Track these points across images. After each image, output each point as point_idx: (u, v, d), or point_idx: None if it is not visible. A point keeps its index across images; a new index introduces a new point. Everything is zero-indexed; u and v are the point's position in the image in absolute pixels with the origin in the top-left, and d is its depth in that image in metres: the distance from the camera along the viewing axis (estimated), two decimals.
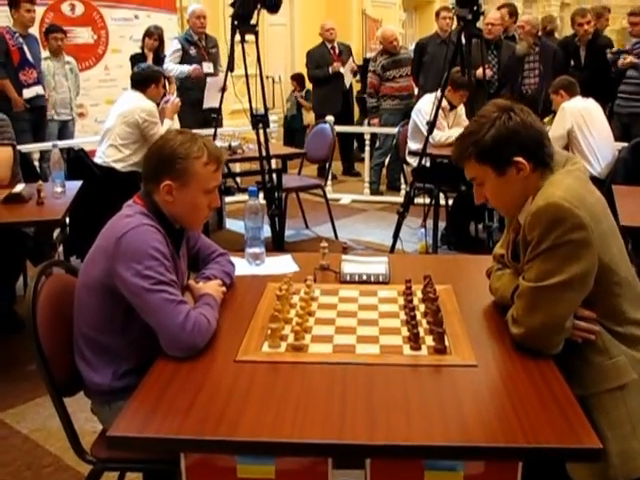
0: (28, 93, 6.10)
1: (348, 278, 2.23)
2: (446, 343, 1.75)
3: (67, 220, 3.80)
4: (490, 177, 1.78)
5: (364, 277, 2.23)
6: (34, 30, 6.52)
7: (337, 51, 8.02)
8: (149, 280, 1.75)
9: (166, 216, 1.93)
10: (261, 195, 4.53)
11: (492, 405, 1.53)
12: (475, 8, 3.87)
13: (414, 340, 1.76)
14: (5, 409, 3.05)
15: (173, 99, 5.12)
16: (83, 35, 7.76)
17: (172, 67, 6.55)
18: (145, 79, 4.75)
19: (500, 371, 1.66)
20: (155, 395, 1.56)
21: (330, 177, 6.88)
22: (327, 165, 6.06)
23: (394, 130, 6.00)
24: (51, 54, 6.54)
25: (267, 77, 9.48)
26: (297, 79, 9.49)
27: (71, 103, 6.74)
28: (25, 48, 6.08)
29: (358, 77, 8.90)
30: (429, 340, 1.78)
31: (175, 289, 1.80)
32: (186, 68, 6.53)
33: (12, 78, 6.01)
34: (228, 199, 5.92)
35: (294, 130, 9.25)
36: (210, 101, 5.76)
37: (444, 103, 4.68)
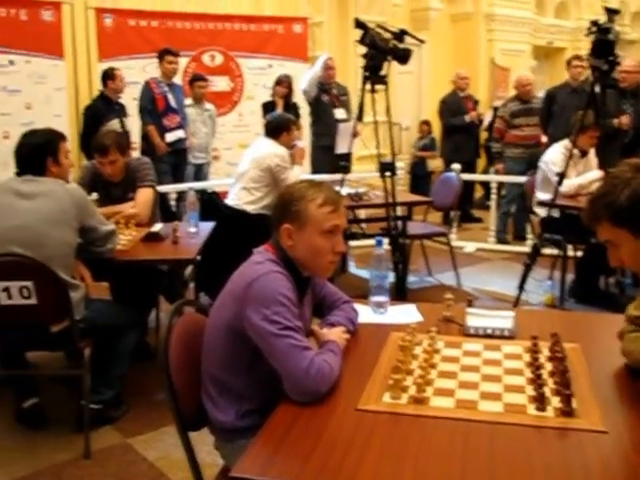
0: (170, 137, 6.50)
1: (472, 331, 2.18)
2: (574, 406, 1.65)
3: (199, 258, 3.94)
4: (627, 240, 1.69)
5: (489, 331, 2.16)
6: (179, 79, 6.92)
7: (471, 100, 8.00)
8: (276, 325, 1.77)
9: (294, 264, 1.97)
10: (386, 241, 4.55)
11: (623, 478, 1.42)
12: (611, 58, 3.79)
13: (540, 400, 1.67)
14: (134, 435, 3.16)
15: (300, 145, 5.24)
16: (221, 83, 8.15)
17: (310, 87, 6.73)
18: (277, 127, 4.89)
19: (633, 440, 1.54)
20: (277, 439, 1.55)
21: (455, 225, 6.83)
22: (452, 213, 6.01)
23: (520, 179, 5.87)
24: (194, 101, 6.93)
25: (394, 124, 9.54)
26: (425, 126, 9.55)
27: (208, 148, 7.11)
28: (169, 96, 6.53)
29: (486, 125, 8.83)
30: (555, 401, 1.69)
31: (301, 335, 1.81)
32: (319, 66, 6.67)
33: (157, 123, 6.42)
34: (353, 243, 5.95)
35: (419, 176, 9.27)
36: (342, 146, 5.85)
37: (574, 150, 4.56)
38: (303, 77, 6.87)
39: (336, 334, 2.00)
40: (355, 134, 5.45)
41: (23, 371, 3.31)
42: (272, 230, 2.00)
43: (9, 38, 6.71)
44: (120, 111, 6.45)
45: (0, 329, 3.02)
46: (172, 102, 6.54)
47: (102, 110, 6.31)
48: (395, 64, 4.57)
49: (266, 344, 1.79)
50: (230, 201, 4.90)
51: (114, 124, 6.22)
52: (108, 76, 6.39)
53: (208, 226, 4.04)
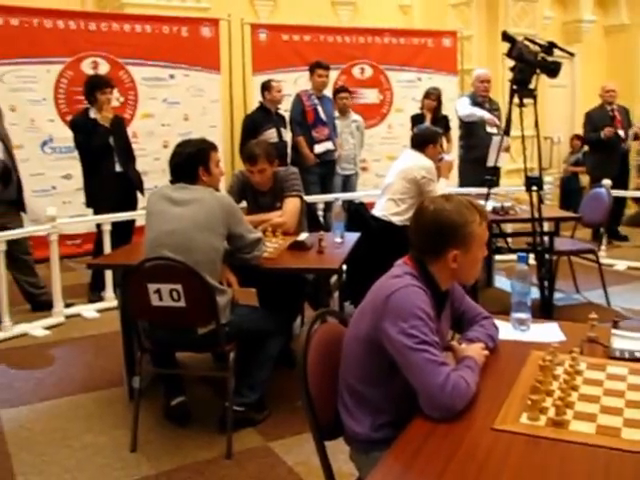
0: (319, 148, 6.63)
1: (618, 354, 2.06)
2: None
3: (344, 268, 3.98)
4: None
5: (636, 354, 2.05)
6: (329, 91, 7.05)
7: (618, 114, 7.58)
8: (413, 339, 1.76)
9: (434, 278, 1.95)
10: (531, 256, 4.40)
11: None
12: None
13: None
14: (275, 439, 3.19)
15: (448, 158, 5.18)
16: (370, 96, 8.26)
17: (470, 111, 6.58)
18: (424, 140, 4.84)
19: None
20: (410, 453, 1.54)
21: (605, 242, 6.52)
22: (601, 229, 5.75)
23: None
24: (339, 113, 7.01)
25: (545, 138, 9.25)
26: (576, 141, 9.18)
27: (355, 159, 7.18)
28: (319, 108, 6.65)
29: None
30: None
31: (437, 350, 1.79)
32: (485, 114, 6.50)
33: (306, 135, 6.57)
34: (498, 257, 5.85)
35: (570, 191, 8.92)
36: (493, 160, 5.72)
37: None
38: (459, 103, 6.77)
39: (475, 350, 1.96)
40: (506, 148, 5.33)
41: (172, 370, 3.43)
42: (416, 250, 1.99)
43: (171, 54, 7.17)
44: (278, 122, 6.61)
45: (151, 329, 3.18)
46: (322, 114, 6.64)
47: (260, 120, 6.50)
48: (545, 77, 4.42)
49: (402, 357, 1.78)
50: (377, 212, 4.90)
51: (270, 134, 6.44)
52: (265, 87, 6.60)
53: (354, 237, 4.04)
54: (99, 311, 5.18)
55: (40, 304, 5.13)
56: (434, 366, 1.74)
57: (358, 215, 4.79)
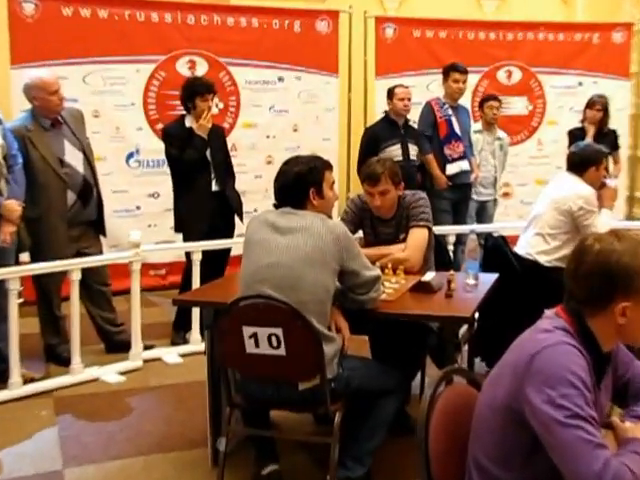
0: (452, 169, 6.62)
1: None
2: None
3: (476, 317, 3.91)
4: None
5: None
6: (466, 100, 7.02)
7: None
8: (563, 411, 1.70)
9: (594, 337, 1.89)
10: None
11: None
12: None
13: None
14: None
15: (611, 184, 5.01)
16: (517, 105, 8.19)
17: None
18: (584, 161, 4.70)
19: None
20: None
21: None
22: None
23: None
24: (484, 126, 6.99)
25: None
26: None
27: (495, 182, 7.12)
28: (453, 120, 6.62)
29: None
30: None
31: (594, 427, 1.72)
32: None
33: (437, 152, 6.56)
34: None
35: None
36: None
37: None
38: None
39: None
40: None
41: (265, 432, 3.44)
42: (571, 299, 1.94)
43: (280, 52, 7.29)
44: (406, 136, 6.58)
45: (243, 381, 3.21)
46: (456, 127, 6.65)
47: (384, 134, 6.54)
48: None
49: (548, 434, 1.73)
50: (520, 249, 4.83)
51: (395, 151, 6.42)
52: (390, 94, 6.61)
53: (491, 278, 4.00)
54: (183, 356, 5.25)
55: (116, 344, 5.24)
56: (589, 448, 1.68)
57: (497, 251, 4.75)
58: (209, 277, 4.83)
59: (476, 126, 7.09)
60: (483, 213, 7.11)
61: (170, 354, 5.28)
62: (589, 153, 4.83)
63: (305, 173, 3.24)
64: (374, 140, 6.54)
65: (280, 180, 3.28)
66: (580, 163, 4.75)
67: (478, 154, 6.97)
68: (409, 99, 6.59)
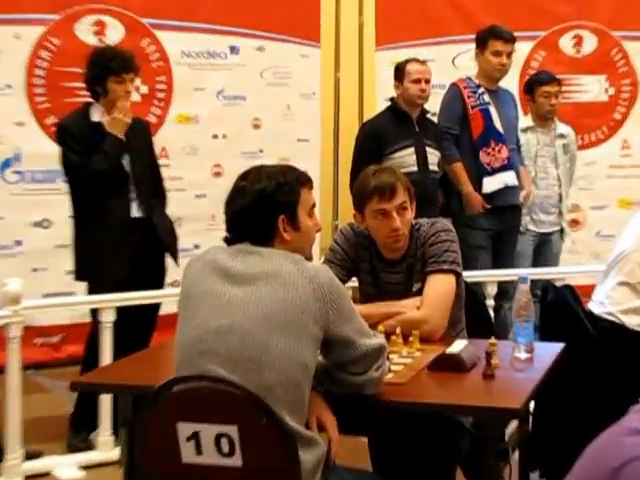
0: (492, 184, 6.74)
1: None
2: None
3: (531, 409, 3.92)
4: None
5: None
6: (511, 81, 7.11)
7: None
8: None
9: None
10: None
11: None
12: None
13: None
14: None
15: None
16: (590, 88, 8.28)
17: None
18: None
19: None
20: None
21: None
22: None
23: None
24: (536, 121, 7.17)
25: None
26: None
27: (560, 204, 7.18)
28: (492, 110, 6.66)
29: None
30: None
31: None
32: None
33: (468, 160, 6.61)
34: None
35: None
36: None
37: None
38: None
39: None
40: None
41: None
42: None
43: (231, 10, 7.32)
44: (423, 135, 6.67)
45: None
46: (497, 122, 6.80)
47: (388, 132, 6.60)
48: None
49: None
50: (596, 306, 4.83)
51: (406, 157, 6.53)
52: (399, 73, 6.61)
53: (552, 349, 3.99)
54: (85, 468, 5.19)
55: None
56: None
57: (561, 309, 4.72)
58: (127, 347, 4.69)
59: (525, 121, 7.22)
60: (544, 251, 7.27)
61: (65, 466, 5.21)
62: None
63: (271, 193, 3.23)
64: (376, 141, 6.58)
65: (235, 203, 3.27)
66: None
67: (532, 162, 7.09)
68: (427, 80, 6.62)
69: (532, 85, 7.20)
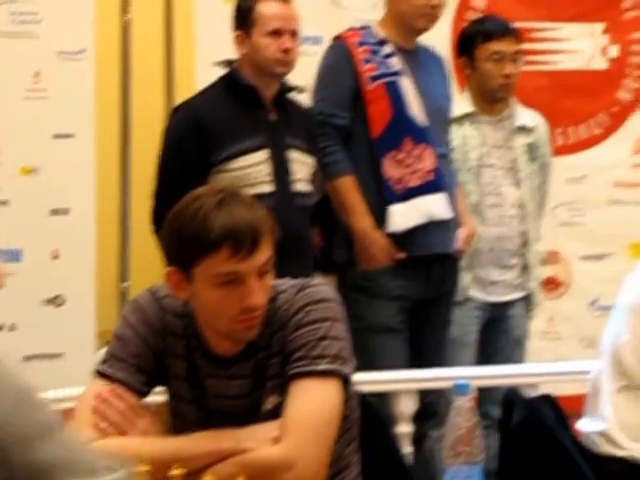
0: (405, 217, 6.70)
1: None
2: None
3: None
4: None
5: None
6: (438, 33, 7.27)
7: None
8: None
9: None
10: None
11: None
12: None
13: None
14: None
15: None
16: (580, 46, 8.60)
17: None
18: None
19: None
20: None
21: None
22: None
23: None
24: (479, 105, 7.35)
25: None
26: None
27: (524, 252, 7.30)
28: (405, 85, 6.72)
29: None
30: None
31: None
32: None
33: (364, 171, 6.66)
34: None
35: None
36: None
37: None
38: None
39: None
40: None
41: None
42: None
43: None
44: (280, 128, 6.79)
45: None
46: (413, 104, 6.85)
47: (222, 122, 6.66)
48: None
49: None
50: (589, 425, 4.94)
51: (248, 169, 6.58)
52: (244, 22, 6.62)
53: None
54: None
55: None
56: None
57: (535, 438, 4.83)
58: None
59: (460, 105, 7.46)
60: (498, 335, 7.42)
61: None
62: None
63: None
64: (198, 139, 6.50)
65: None
66: None
67: (472, 177, 7.30)
68: (293, 32, 6.57)
69: (470, 40, 7.35)
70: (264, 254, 4.00)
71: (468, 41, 7.37)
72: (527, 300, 7.46)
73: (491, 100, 7.31)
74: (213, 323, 4.11)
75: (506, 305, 7.35)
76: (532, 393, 5.33)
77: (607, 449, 4.80)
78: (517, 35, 7.36)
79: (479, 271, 7.17)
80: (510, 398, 4.99)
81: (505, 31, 7.28)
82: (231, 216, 3.99)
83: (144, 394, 4.03)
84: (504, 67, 7.14)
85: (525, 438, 4.77)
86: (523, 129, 7.34)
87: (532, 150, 7.33)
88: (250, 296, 3.96)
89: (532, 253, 7.40)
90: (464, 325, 7.12)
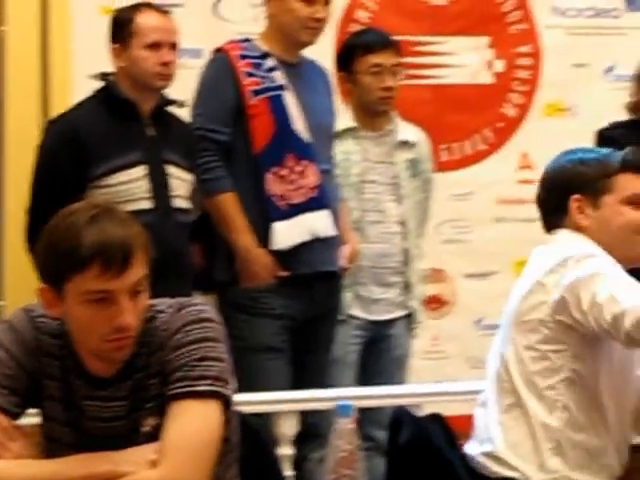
0: (288, 234, 6.68)
1: None
2: None
3: None
4: None
5: None
6: (322, 46, 7.16)
7: None
8: None
9: None
10: None
11: None
12: None
13: None
14: None
15: None
16: (465, 59, 8.59)
17: None
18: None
19: None
20: None
21: None
22: None
23: None
24: (360, 119, 7.39)
25: None
26: None
27: (406, 269, 7.23)
28: (288, 99, 6.65)
29: None
30: None
31: None
32: None
33: (246, 188, 6.57)
34: None
35: None
36: None
37: None
38: None
39: None
40: None
41: None
42: None
43: None
44: (158, 142, 6.79)
45: None
46: (296, 119, 6.88)
47: (96, 137, 6.66)
48: None
49: None
50: (480, 444, 4.91)
51: (126, 182, 6.60)
52: (120, 32, 6.69)
53: None
54: None
55: None
56: None
57: (423, 460, 4.85)
58: None
59: (342, 119, 7.40)
60: (379, 354, 7.39)
61: None
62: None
63: None
64: (74, 153, 6.55)
65: None
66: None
67: (354, 192, 7.31)
68: (172, 45, 6.66)
69: (350, 53, 7.36)
70: (137, 273, 3.89)
71: (348, 54, 7.46)
72: (409, 319, 7.53)
73: (372, 114, 7.34)
74: (85, 342, 3.97)
75: (388, 323, 7.45)
76: (418, 413, 5.23)
77: (497, 469, 4.72)
78: (397, 48, 7.45)
79: (360, 289, 7.18)
80: (398, 417, 4.91)
81: (384, 43, 7.33)
82: (102, 232, 3.88)
83: (17, 416, 3.85)
84: (384, 80, 7.18)
85: (413, 457, 4.75)
86: (405, 144, 7.35)
87: (414, 166, 7.38)
88: (121, 316, 3.85)
89: (414, 271, 7.44)
90: (345, 344, 7.16)
